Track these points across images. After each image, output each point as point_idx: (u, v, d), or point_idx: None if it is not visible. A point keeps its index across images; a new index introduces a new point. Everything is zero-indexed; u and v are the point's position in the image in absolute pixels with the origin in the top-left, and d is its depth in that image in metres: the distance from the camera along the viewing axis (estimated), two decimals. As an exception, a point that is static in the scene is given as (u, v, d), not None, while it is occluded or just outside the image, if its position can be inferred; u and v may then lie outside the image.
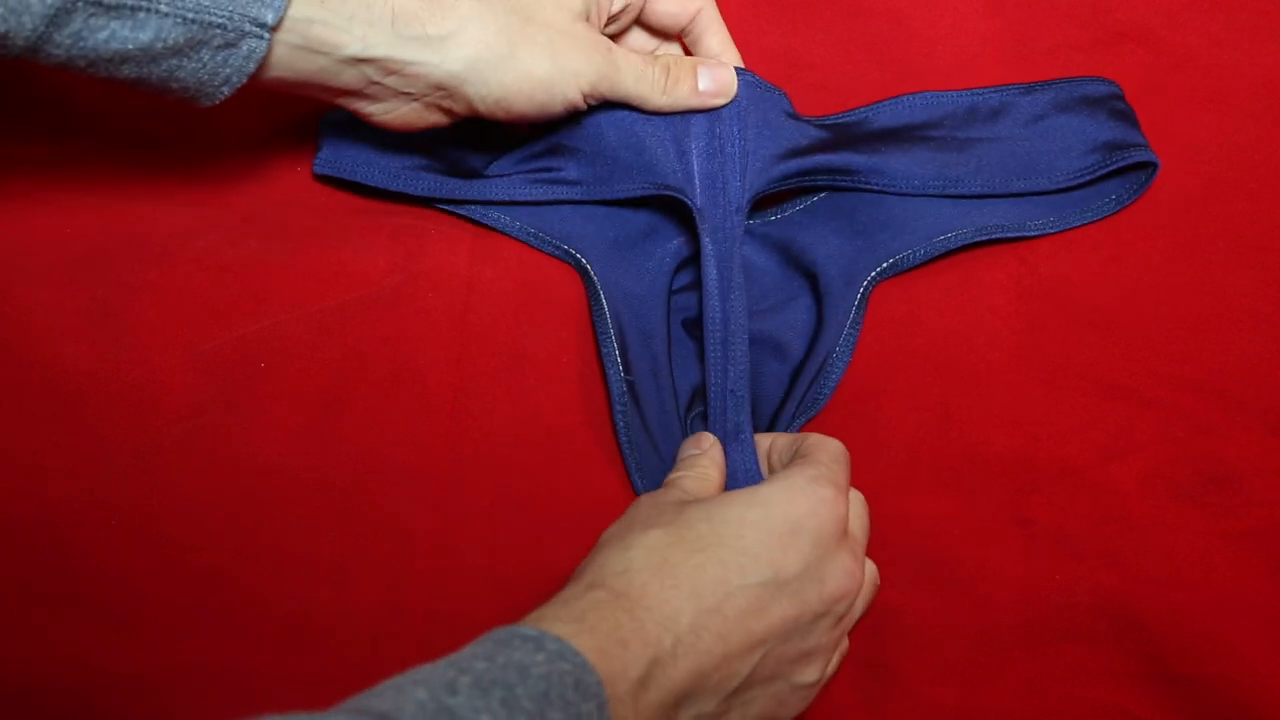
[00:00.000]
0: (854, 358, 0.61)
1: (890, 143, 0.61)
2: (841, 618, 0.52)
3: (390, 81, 0.53)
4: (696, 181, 0.59)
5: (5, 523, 0.57)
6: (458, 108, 0.55)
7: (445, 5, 0.52)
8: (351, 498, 0.58)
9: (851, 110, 0.63)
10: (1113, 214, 0.63)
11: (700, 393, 0.61)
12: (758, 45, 0.65)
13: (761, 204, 0.64)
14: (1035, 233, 0.62)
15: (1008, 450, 0.60)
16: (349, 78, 0.53)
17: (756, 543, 0.49)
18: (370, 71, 0.52)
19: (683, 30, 0.62)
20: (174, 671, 0.54)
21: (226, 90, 0.51)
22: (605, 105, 0.59)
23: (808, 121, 0.62)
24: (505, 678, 0.41)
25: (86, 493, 0.57)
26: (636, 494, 0.59)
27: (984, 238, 0.61)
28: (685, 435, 0.60)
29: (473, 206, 0.62)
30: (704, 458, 0.56)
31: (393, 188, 0.61)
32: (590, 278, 0.61)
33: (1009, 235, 0.62)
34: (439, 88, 0.54)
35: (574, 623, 0.45)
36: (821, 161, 0.60)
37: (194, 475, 0.58)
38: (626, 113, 0.59)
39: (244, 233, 0.62)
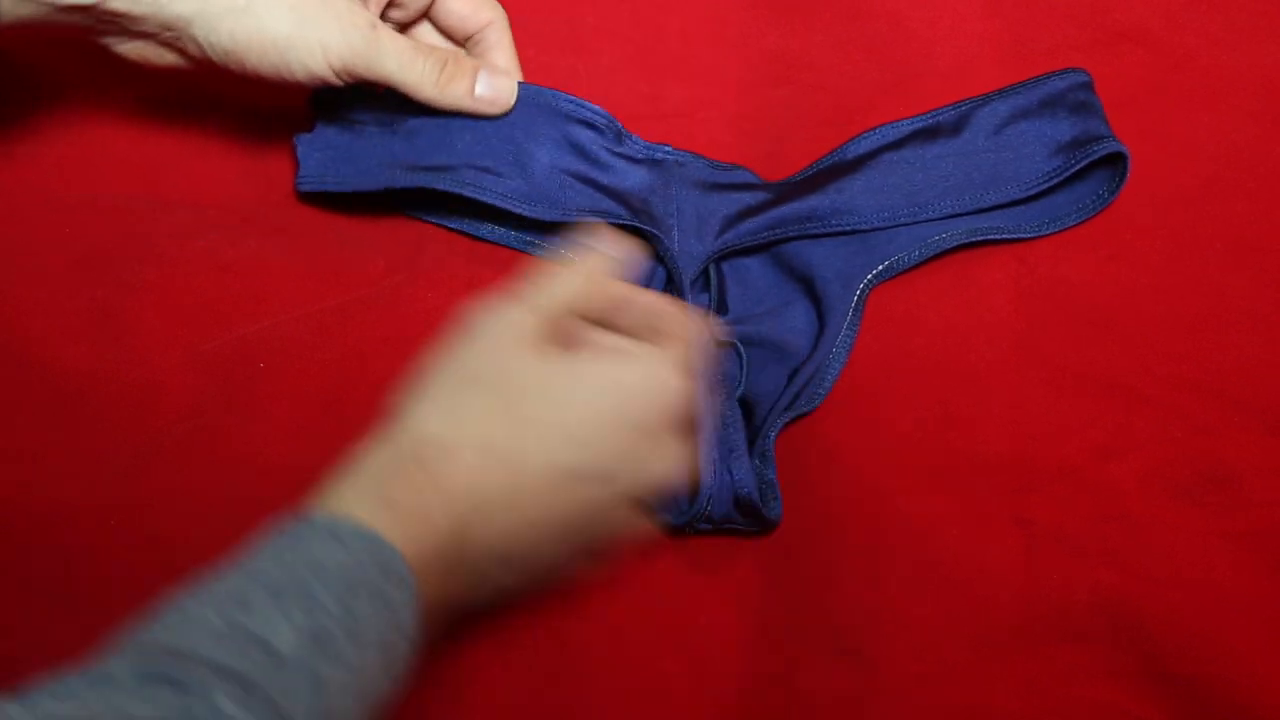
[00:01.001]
0: (854, 358, 0.61)
1: (851, 178, 0.61)
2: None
3: (121, 22, 0.52)
4: (675, 232, 0.60)
5: (5, 523, 0.57)
6: (191, 52, 0.54)
7: None
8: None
9: (805, 169, 0.63)
10: (1104, 209, 0.62)
11: None
12: (757, 46, 0.65)
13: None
14: (1030, 234, 0.62)
15: (1007, 450, 0.60)
16: (77, 21, 0.51)
17: (595, 431, 0.46)
18: (96, 14, 0.51)
19: (470, 39, 0.60)
20: (174, 671, 0.54)
21: None
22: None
23: (746, 187, 0.62)
24: (300, 578, 0.39)
25: (86, 493, 0.57)
26: None
27: (978, 238, 0.61)
28: None
29: (467, 222, 0.62)
30: (597, 261, 0.51)
31: (368, 187, 0.60)
32: None
33: (1004, 236, 0.62)
34: (166, 28, 0.52)
35: (373, 496, 0.43)
36: (780, 215, 0.60)
37: (194, 475, 0.58)
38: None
39: (244, 233, 0.62)
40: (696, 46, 0.65)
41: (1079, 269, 0.63)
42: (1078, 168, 0.60)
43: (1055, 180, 0.60)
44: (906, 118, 0.62)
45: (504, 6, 0.63)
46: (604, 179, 0.60)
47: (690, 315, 0.52)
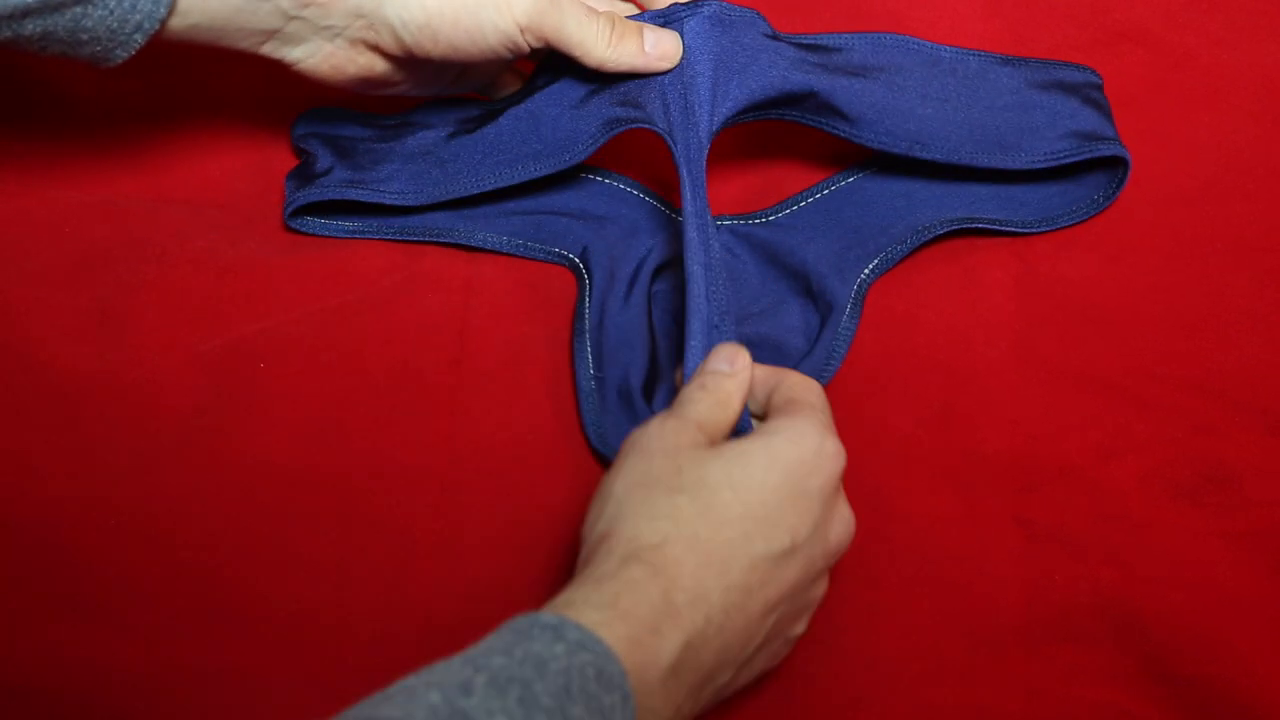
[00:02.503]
0: (853, 357, 0.61)
1: (866, 83, 0.61)
2: (832, 565, 0.50)
3: (309, 14, 0.52)
4: (672, 115, 0.58)
5: (5, 523, 0.57)
6: (384, 41, 0.54)
7: None
8: (351, 498, 0.58)
9: (832, 34, 0.62)
10: (1099, 213, 0.62)
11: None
12: (757, 45, 0.65)
13: (746, 207, 0.64)
14: (1022, 229, 0.62)
15: (1007, 449, 0.60)
16: (266, 15, 0.51)
17: (777, 509, 0.47)
18: (287, 5, 0.51)
19: None
20: (174, 671, 0.54)
21: (139, 39, 0.49)
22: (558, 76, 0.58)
23: (786, 40, 0.61)
24: (523, 674, 0.39)
25: (86, 493, 0.57)
26: None
27: (970, 225, 0.61)
28: None
29: (460, 232, 0.62)
30: (731, 380, 0.51)
31: (348, 197, 0.60)
32: (583, 274, 0.61)
33: (996, 228, 0.62)
34: (358, 15, 0.52)
35: (607, 608, 0.43)
36: (791, 83, 0.59)
37: (194, 475, 0.58)
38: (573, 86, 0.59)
39: (244, 233, 0.62)
40: (696, 46, 0.65)
41: (1079, 269, 0.63)
42: (1083, 157, 0.60)
43: (1054, 163, 0.60)
44: (930, 41, 0.62)
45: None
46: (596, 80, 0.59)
47: (807, 379, 0.53)
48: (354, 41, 0.54)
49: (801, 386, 0.52)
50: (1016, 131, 0.61)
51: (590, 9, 0.56)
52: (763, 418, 0.54)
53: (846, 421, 0.60)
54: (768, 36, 0.60)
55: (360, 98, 0.61)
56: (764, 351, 0.61)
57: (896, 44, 0.62)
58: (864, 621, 0.58)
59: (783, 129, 0.64)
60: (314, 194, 0.60)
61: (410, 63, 0.56)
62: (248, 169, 0.64)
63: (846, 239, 0.62)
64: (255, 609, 0.56)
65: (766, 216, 0.64)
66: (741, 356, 0.52)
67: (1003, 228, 0.62)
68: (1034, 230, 0.62)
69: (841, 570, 0.59)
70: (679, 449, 0.48)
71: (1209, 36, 0.65)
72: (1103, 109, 0.62)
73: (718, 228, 0.62)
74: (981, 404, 0.61)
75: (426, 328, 0.61)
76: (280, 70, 0.58)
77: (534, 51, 0.57)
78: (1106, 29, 0.66)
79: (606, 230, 0.63)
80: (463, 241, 0.62)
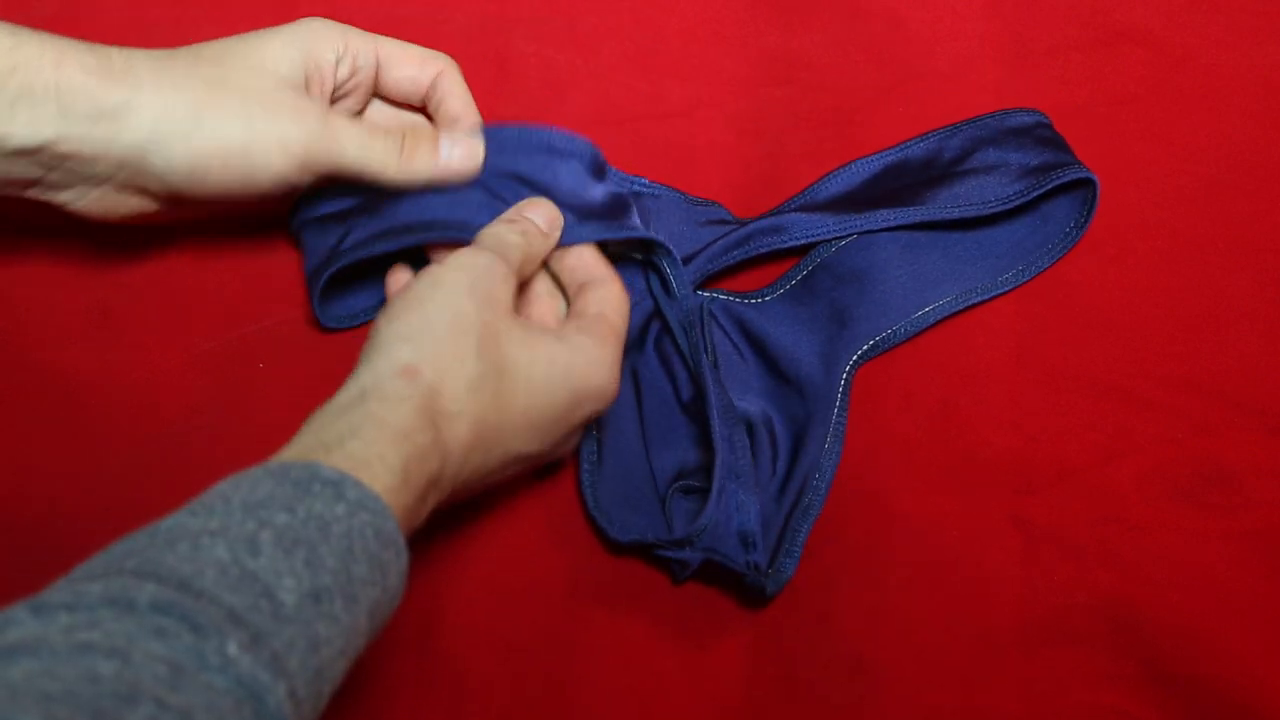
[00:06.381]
0: (853, 357, 0.61)
1: (821, 208, 0.61)
2: None
3: (71, 165, 0.49)
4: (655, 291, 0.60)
5: (5, 523, 0.57)
6: (152, 187, 0.51)
7: (116, 74, 0.49)
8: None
9: (775, 207, 0.62)
10: (1096, 217, 0.62)
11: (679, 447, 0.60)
12: (758, 45, 0.65)
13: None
14: (1008, 287, 0.62)
15: (1006, 451, 0.60)
16: (24, 170, 0.49)
17: (550, 420, 0.50)
18: (45, 159, 0.49)
19: (424, 97, 0.57)
20: (174, 671, 0.54)
21: None
22: None
23: (720, 223, 0.61)
24: (307, 534, 0.40)
25: (86, 493, 0.57)
26: (588, 513, 0.58)
27: (962, 305, 0.61)
28: (652, 476, 0.59)
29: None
30: (543, 243, 0.54)
31: (350, 260, 0.57)
32: None
33: (985, 297, 0.61)
34: (121, 165, 0.50)
35: (384, 449, 0.44)
36: (748, 231, 0.59)
37: (194, 475, 0.58)
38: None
39: (244, 233, 0.62)
40: (696, 46, 0.65)
41: (1079, 269, 0.63)
42: (1045, 189, 0.59)
43: (1017, 202, 0.59)
44: (876, 152, 0.62)
45: (504, 6, 0.64)
46: (589, 202, 0.57)
47: (620, 287, 0.55)
48: (122, 186, 0.51)
49: (616, 302, 0.54)
50: (975, 187, 0.60)
51: (373, 127, 0.54)
52: (563, 291, 0.57)
53: (847, 421, 0.60)
54: (702, 225, 0.60)
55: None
56: (756, 432, 0.60)
57: (848, 171, 0.62)
58: (863, 622, 0.58)
59: (786, 121, 0.64)
60: (326, 274, 0.57)
61: (188, 201, 0.53)
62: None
63: (833, 329, 0.60)
64: (255, 609, 0.56)
65: (753, 299, 0.62)
66: (558, 222, 0.55)
67: (994, 293, 0.62)
68: (1019, 283, 0.62)
69: (842, 570, 0.59)
70: (501, 311, 0.50)
71: (1209, 36, 0.65)
72: (1057, 144, 0.62)
73: (711, 303, 0.61)
74: (981, 405, 0.61)
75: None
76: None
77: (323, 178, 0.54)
78: (1107, 29, 0.66)
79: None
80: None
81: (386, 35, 0.56)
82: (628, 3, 0.65)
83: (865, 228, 0.60)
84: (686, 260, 0.59)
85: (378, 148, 0.53)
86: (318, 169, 0.52)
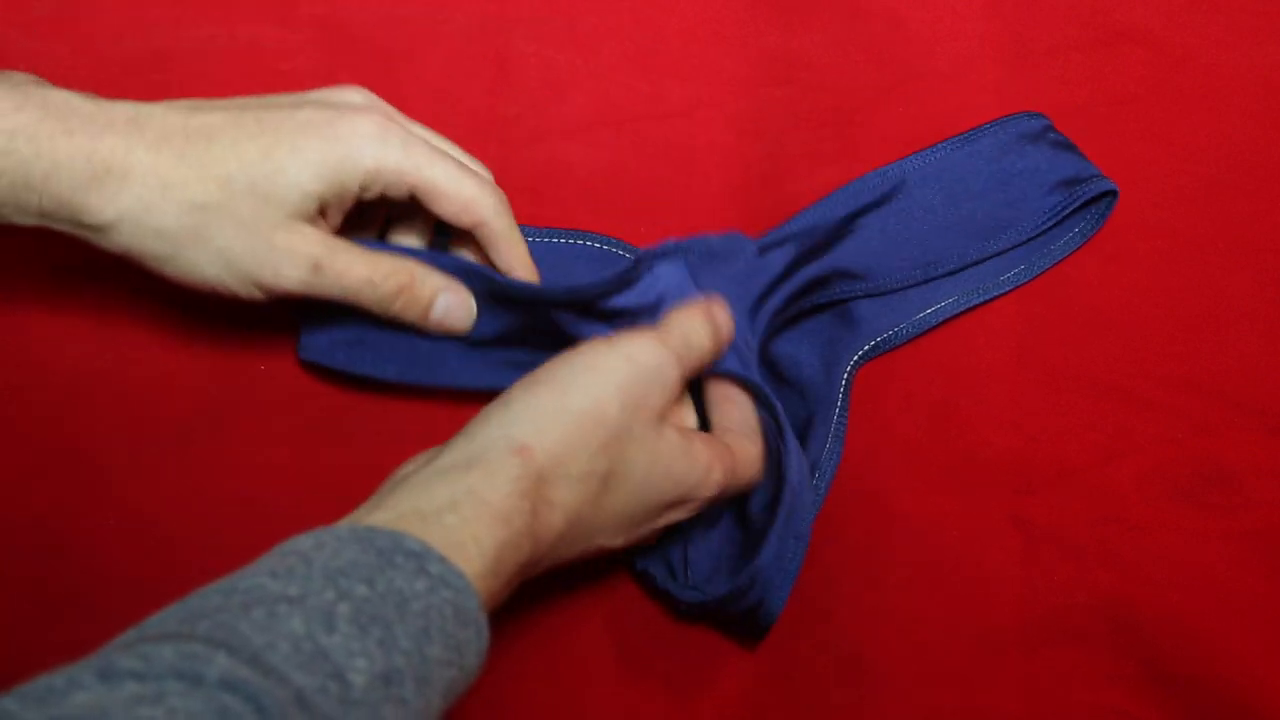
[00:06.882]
0: (853, 357, 0.61)
1: (862, 228, 0.60)
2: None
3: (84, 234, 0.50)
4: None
5: (5, 523, 0.57)
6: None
7: (109, 189, 0.48)
8: (352, 499, 0.57)
9: (806, 209, 0.60)
10: (1079, 249, 0.62)
11: None
12: (757, 46, 0.65)
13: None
14: (1009, 287, 0.62)
15: (1006, 451, 0.60)
16: (24, 214, 0.49)
17: (644, 511, 0.49)
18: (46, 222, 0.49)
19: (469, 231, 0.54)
20: (174, 671, 0.54)
21: None
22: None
23: (774, 241, 0.58)
24: (384, 612, 0.39)
25: (86, 493, 0.57)
26: None
27: (965, 305, 0.61)
28: None
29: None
30: (712, 355, 0.52)
31: (380, 375, 0.57)
32: None
33: (988, 297, 0.61)
34: (105, 252, 0.50)
35: (480, 532, 0.43)
36: (806, 275, 0.58)
37: (194, 475, 0.58)
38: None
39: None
40: (696, 46, 0.65)
41: (1079, 269, 0.63)
42: (1079, 203, 0.60)
43: (1053, 221, 0.60)
44: (890, 164, 0.61)
45: (504, 6, 0.63)
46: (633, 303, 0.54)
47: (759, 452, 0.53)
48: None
49: (749, 459, 0.52)
50: (1007, 204, 0.60)
51: (374, 269, 0.52)
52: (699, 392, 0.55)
53: (848, 421, 0.60)
54: (757, 254, 0.57)
55: None
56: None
57: (865, 183, 0.61)
58: (863, 622, 0.58)
59: (786, 121, 0.64)
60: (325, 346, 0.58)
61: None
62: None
63: (833, 332, 0.60)
64: (255, 609, 0.56)
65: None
66: (727, 326, 0.52)
67: (996, 293, 0.62)
68: (1019, 283, 0.62)
69: (842, 570, 0.59)
70: (643, 412, 0.48)
71: (1209, 36, 0.65)
72: (1072, 147, 0.62)
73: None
74: (981, 405, 0.61)
75: (426, 328, 0.61)
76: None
77: None
78: (1107, 29, 0.66)
79: None
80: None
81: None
82: (628, 3, 0.65)
83: (930, 275, 0.60)
84: (749, 314, 0.57)
85: (371, 294, 0.52)
86: (308, 295, 0.52)
